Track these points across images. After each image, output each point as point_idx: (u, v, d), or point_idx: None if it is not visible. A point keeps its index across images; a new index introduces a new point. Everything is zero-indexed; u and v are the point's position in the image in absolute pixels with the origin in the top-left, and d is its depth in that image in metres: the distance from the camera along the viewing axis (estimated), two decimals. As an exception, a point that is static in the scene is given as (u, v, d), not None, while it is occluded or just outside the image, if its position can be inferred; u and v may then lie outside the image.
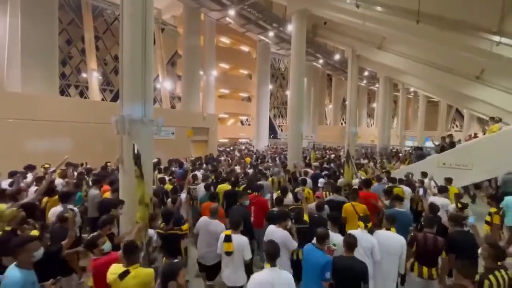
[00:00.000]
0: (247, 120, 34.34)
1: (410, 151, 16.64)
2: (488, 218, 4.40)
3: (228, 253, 3.04)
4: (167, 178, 6.28)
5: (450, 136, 8.57)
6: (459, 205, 4.03)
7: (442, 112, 30.11)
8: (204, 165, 8.85)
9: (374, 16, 8.32)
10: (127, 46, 4.59)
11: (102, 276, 2.29)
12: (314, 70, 29.28)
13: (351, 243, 2.71)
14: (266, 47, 22.76)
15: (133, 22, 4.55)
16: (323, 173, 7.47)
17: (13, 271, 2.17)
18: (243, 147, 21.25)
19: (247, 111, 29.04)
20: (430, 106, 30.68)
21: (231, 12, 16.31)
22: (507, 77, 9.42)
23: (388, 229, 3.29)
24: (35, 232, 3.11)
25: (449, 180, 5.66)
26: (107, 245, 2.68)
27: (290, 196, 4.81)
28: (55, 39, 11.04)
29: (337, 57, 22.95)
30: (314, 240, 2.86)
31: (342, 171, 7.43)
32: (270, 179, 6.54)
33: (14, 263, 2.23)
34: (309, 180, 6.18)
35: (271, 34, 19.37)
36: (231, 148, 20.07)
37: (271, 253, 2.39)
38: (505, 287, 2.27)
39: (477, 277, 2.35)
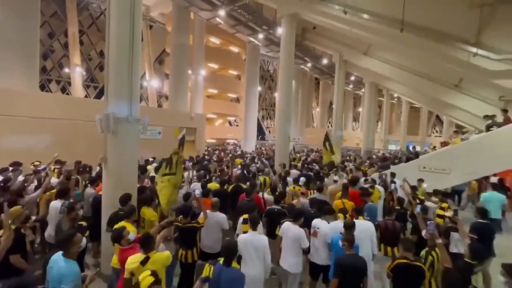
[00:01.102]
0: (235, 121, 34.26)
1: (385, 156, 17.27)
2: (440, 212, 4.91)
3: (246, 233, 3.44)
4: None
5: (414, 148, 9.20)
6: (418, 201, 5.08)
7: (423, 118, 31.36)
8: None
9: (360, 23, 8.57)
10: (114, 42, 4.49)
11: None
12: (302, 73, 29.67)
13: (350, 240, 3.01)
14: (255, 49, 22.83)
15: (121, 17, 4.45)
16: (307, 173, 7.86)
17: (68, 262, 2.31)
18: (231, 148, 21.23)
19: (236, 112, 28.98)
20: (412, 111, 31.88)
21: (221, 12, 16.27)
22: (483, 87, 9.96)
23: (357, 218, 3.91)
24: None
25: (420, 180, 6.55)
26: (132, 235, 2.93)
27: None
28: (36, 31, 10.59)
29: (325, 61, 23.40)
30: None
31: (324, 171, 7.92)
32: (261, 178, 6.83)
33: (60, 254, 2.35)
34: (290, 179, 6.82)
35: (260, 36, 19.46)
36: (220, 148, 20.00)
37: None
38: (438, 260, 3.04)
39: (422, 253, 3.24)
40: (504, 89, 6.48)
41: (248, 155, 15.39)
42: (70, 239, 2.40)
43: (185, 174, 6.22)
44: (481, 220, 4.02)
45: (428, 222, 3.29)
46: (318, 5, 10.12)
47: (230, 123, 34.68)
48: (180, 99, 17.08)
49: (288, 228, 3.52)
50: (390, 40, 8.41)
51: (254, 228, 3.25)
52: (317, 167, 9.79)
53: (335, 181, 6.62)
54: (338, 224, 3.63)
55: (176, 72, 17.15)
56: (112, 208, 4.13)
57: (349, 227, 3.27)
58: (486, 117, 7.88)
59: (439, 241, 3.02)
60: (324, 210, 3.92)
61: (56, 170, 6.11)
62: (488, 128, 7.43)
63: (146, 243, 2.56)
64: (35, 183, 5.16)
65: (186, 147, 14.66)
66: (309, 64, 25.65)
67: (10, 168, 5.80)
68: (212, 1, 15.47)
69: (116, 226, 3.14)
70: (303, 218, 3.62)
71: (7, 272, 2.69)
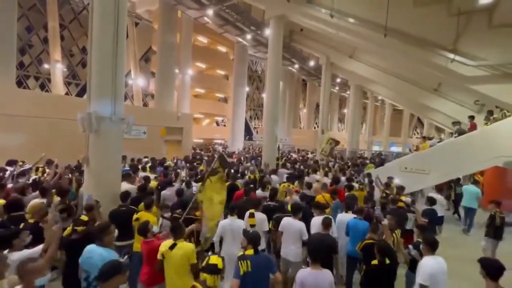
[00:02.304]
0: (222, 121, 34.08)
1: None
2: (401, 204, 5.22)
3: (252, 226, 3.84)
4: (152, 176, 6.42)
5: (379, 154, 9.78)
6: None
7: (405, 120, 32.47)
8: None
9: (346, 27, 8.78)
10: (97, 38, 4.37)
11: (153, 255, 2.89)
12: (289, 74, 29.96)
13: (327, 223, 3.56)
14: (243, 49, 22.82)
15: (105, 13, 4.34)
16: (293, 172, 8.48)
17: (108, 251, 2.58)
18: (221, 148, 21.11)
19: (223, 111, 28.82)
20: (395, 114, 32.94)
21: (209, 12, 16.15)
22: (460, 91, 10.46)
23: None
24: None
25: (390, 178, 7.19)
26: (155, 228, 3.23)
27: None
28: (13, 24, 10.10)
29: (312, 63, 23.72)
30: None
31: (308, 171, 8.63)
32: (247, 176, 7.32)
33: (94, 245, 2.56)
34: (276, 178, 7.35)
35: (248, 36, 19.48)
36: (210, 148, 19.88)
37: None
38: (397, 239, 3.61)
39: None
40: (479, 94, 6.85)
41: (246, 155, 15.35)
42: (107, 229, 2.67)
43: (180, 172, 6.69)
44: (429, 207, 4.90)
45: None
46: (306, 7, 10.27)
47: (217, 123, 34.46)
48: (167, 98, 16.80)
49: (289, 223, 3.85)
50: (375, 44, 8.65)
51: (232, 213, 3.85)
52: (301, 167, 10.25)
53: (318, 181, 7.04)
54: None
55: (163, 70, 16.85)
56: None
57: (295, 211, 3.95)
58: (454, 123, 8.59)
59: (385, 222, 3.64)
60: (322, 206, 4.35)
61: (40, 169, 6.01)
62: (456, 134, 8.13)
63: (176, 231, 2.91)
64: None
65: (172, 147, 14.48)
66: (296, 66, 25.94)
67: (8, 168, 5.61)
68: (200, 0, 15.33)
69: (139, 219, 3.59)
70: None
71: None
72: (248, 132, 29.60)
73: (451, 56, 6.41)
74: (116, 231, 2.96)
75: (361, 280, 3.06)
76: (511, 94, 6.01)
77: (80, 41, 26.93)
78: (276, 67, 11.48)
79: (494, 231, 4.74)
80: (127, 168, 7.40)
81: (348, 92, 29.39)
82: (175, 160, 10.52)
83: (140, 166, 7.55)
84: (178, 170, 7.08)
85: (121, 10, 4.46)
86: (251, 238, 2.83)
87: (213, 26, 19.70)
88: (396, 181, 7.18)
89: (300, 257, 3.82)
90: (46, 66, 24.51)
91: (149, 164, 7.93)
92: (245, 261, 2.67)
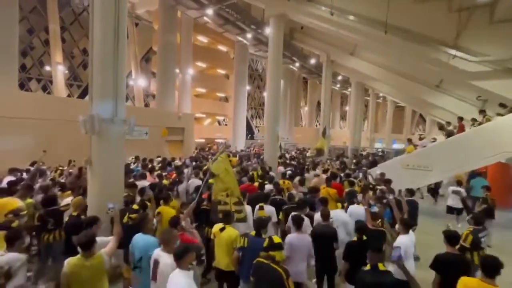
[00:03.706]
0: (224, 120, 34.10)
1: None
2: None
3: (268, 219, 3.96)
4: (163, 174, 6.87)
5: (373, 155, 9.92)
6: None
7: (407, 117, 32.31)
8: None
9: (347, 24, 8.74)
10: (98, 39, 4.38)
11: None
12: (290, 72, 29.90)
13: (325, 214, 3.76)
14: (244, 48, 22.79)
15: (105, 14, 4.35)
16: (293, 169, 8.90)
17: (150, 237, 3.04)
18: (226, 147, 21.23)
19: (224, 111, 28.83)
20: (397, 111, 32.78)
21: (209, 11, 16.14)
22: (462, 87, 10.38)
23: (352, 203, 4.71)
24: None
25: (382, 174, 7.40)
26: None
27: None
28: (14, 27, 10.16)
29: (312, 61, 23.65)
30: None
31: (307, 167, 9.34)
32: (250, 173, 7.62)
33: (140, 234, 3.04)
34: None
35: (249, 35, 19.45)
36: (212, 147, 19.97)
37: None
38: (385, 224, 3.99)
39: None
40: (481, 90, 6.80)
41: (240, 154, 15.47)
42: (146, 219, 3.13)
43: (185, 170, 7.04)
44: (409, 198, 5.33)
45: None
46: (306, 6, 10.23)
47: (219, 122, 34.48)
48: (168, 99, 16.84)
49: (298, 239, 3.79)
50: (375, 41, 8.62)
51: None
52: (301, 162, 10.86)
53: (316, 175, 7.57)
54: (338, 213, 4.29)
55: (164, 70, 16.89)
56: (98, 210, 4.03)
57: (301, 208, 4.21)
58: (440, 128, 9.14)
59: (376, 209, 4.20)
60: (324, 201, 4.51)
61: (58, 170, 6.48)
62: (448, 136, 8.59)
63: (226, 217, 3.46)
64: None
65: (173, 147, 14.52)
66: (297, 64, 25.87)
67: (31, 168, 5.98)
68: (199, 0, 15.32)
69: (160, 213, 4.00)
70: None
71: (71, 251, 3.10)
72: (249, 131, 29.59)
73: (453, 52, 6.37)
74: None
75: (343, 253, 3.37)
76: (513, 89, 5.98)
77: (81, 42, 27.05)
78: (277, 65, 11.46)
79: (488, 211, 5.27)
80: (139, 168, 7.78)
81: (349, 90, 29.31)
82: (183, 160, 10.94)
83: (150, 166, 7.89)
84: (186, 169, 7.41)
85: (121, 11, 4.47)
86: (255, 223, 3.32)
87: (213, 26, 19.69)
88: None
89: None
90: (47, 68, 24.66)
91: (160, 165, 8.59)
92: (243, 238, 3.14)
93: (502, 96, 6.41)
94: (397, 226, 3.76)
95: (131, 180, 5.67)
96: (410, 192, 5.54)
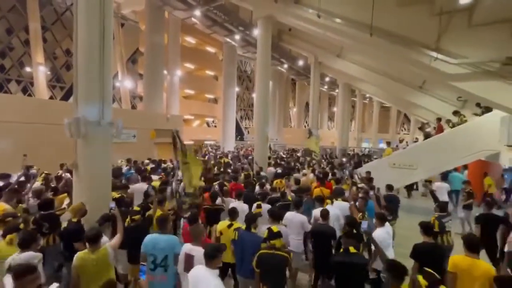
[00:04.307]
0: (213, 121, 33.90)
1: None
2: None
3: (259, 215, 4.23)
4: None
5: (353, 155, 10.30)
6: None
7: (393, 117, 33.21)
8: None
9: (333, 26, 8.89)
10: (83, 40, 4.27)
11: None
12: (279, 74, 30.13)
13: (325, 214, 3.88)
14: (232, 49, 22.77)
15: (90, 14, 4.25)
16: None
17: (168, 236, 3.11)
18: (215, 148, 21.16)
19: (213, 112, 28.70)
20: (383, 111, 33.64)
21: (197, 12, 16.04)
22: (443, 88, 10.79)
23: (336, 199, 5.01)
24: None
25: (368, 172, 7.86)
26: None
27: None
28: (-8, 27, 9.73)
29: (300, 62, 23.93)
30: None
31: (298, 167, 10.01)
32: (243, 173, 8.00)
33: (156, 234, 3.13)
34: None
35: (237, 37, 19.47)
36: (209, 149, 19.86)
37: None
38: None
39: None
40: (461, 91, 7.08)
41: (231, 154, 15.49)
42: (166, 219, 3.25)
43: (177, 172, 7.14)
44: (388, 193, 5.79)
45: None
46: (293, 8, 10.34)
47: (208, 124, 34.26)
48: (156, 100, 16.58)
49: (294, 216, 4.24)
50: (361, 43, 8.80)
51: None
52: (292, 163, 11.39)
53: (304, 175, 8.07)
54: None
55: (151, 72, 16.63)
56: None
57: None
58: (420, 128, 10.08)
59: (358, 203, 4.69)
60: (320, 199, 4.83)
61: (43, 175, 6.20)
62: (426, 137, 9.51)
63: (233, 214, 3.75)
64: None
65: (162, 149, 14.30)
66: (285, 65, 26.11)
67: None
68: (187, 1, 15.20)
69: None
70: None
71: (72, 255, 3.19)
72: (239, 133, 29.54)
73: (434, 54, 6.59)
74: None
75: (336, 244, 3.74)
76: (490, 90, 6.26)
77: (63, 43, 26.20)
78: (266, 67, 11.52)
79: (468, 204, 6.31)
80: (132, 171, 7.84)
81: (336, 91, 29.82)
82: (174, 162, 10.89)
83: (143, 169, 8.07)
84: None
85: (106, 11, 4.38)
86: (246, 218, 3.52)
87: (201, 27, 19.58)
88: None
89: (301, 248, 4.19)
90: (28, 69, 23.72)
91: (151, 166, 8.75)
92: (235, 231, 3.43)
93: (480, 97, 6.70)
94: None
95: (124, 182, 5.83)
96: (389, 187, 5.92)
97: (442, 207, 4.50)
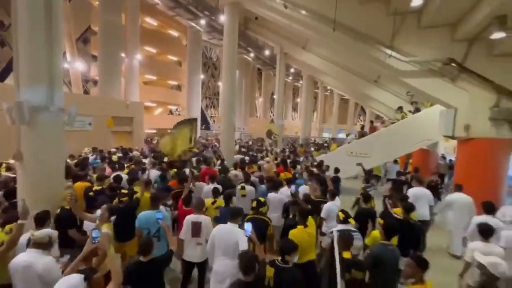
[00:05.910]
0: (177, 109, 32.52)
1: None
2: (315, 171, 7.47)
3: (243, 196, 5.27)
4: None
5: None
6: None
7: (351, 109, 35.45)
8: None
9: (299, 18, 9.05)
10: (24, 9, 3.69)
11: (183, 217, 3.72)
12: (245, 63, 29.88)
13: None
14: (197, 35, 21.87)
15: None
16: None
17: (159, 211, 3.53)
18: None
19: (177, 100, 27.46)
20: (342, 103, 35.66)
21: (158, -9, 14.97)
22: (395, 83, 11.83)
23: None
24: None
25: (321, 161, 8.83)
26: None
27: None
28: None
29: (267, 52, 24.00)
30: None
31: (262, 155, 10.99)
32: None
33: (151, 211, 3.65)
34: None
35: (202, 22, 18.72)
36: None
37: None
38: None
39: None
40: (410, 86, 7.86)
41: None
42: (158, 198, 3.90)
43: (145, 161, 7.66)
44: (335, 175, 7.12)
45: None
46: (260, -4, 10.24)
47: (171, 112, 32.76)
48: (113, 85, 15.33)
49: (274, 196, 5.09)
50: (324, 37, 9.11)
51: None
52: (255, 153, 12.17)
53: (268, 162, 8.95)
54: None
55: (106, 54, 15.23)
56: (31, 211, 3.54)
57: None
58: (361, 129, 11.72)
59: (312, 184, 5.64)
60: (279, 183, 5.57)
61: (3, 165, 6.04)
62: (361, 136, 10.88)
63: (216, 192, 4.58)
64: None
65: (121, 138, 13.39)
66: (252, 55, 25.96)
67: None
68: (146, -22, 14.06)
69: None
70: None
71: (67, 242, 3.51)
72: (204, 122, 28.86)
73: (389, 52, 7.15)
74: None
75: (285, 209, 4.81)
76: (433, 87, 7.08)
77: (-5, 14, 22.39)
78: (232, 55, 11.33)
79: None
80: (98, 160, 7.81)
81: (301, 82, 30.69)
82: (144, 150, 11.55)
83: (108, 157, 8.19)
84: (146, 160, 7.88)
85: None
86: (225, 194, 4.33)
87: (163, 8, 18.36)
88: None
89: (282, 222, 4.77)
90: None
91: (118, 155, 8.82)
92: (216, 210, 4.24)
93: (424, 92, 7.52)
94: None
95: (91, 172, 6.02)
96: (336, 170, 7.38)
97: (367, 179, 6.16)
